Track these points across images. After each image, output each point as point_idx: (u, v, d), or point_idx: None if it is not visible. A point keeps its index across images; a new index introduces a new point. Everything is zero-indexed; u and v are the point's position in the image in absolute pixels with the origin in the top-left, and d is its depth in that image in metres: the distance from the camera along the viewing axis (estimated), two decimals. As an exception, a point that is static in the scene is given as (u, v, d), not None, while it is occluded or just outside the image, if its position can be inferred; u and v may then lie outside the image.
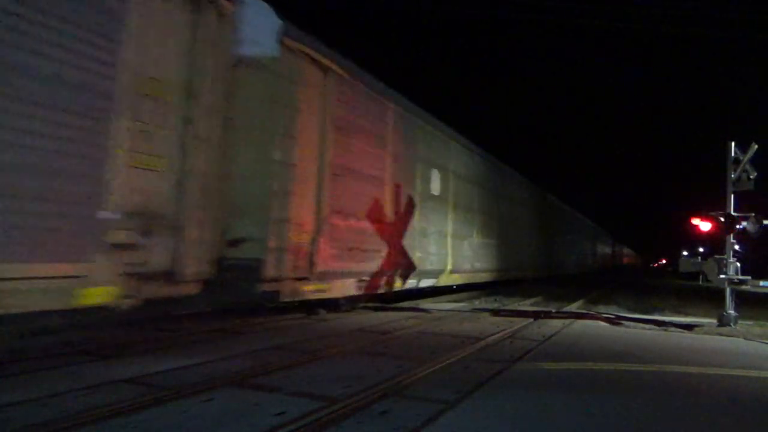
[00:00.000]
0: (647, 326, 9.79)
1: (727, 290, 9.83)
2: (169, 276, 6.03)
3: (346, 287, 9.40)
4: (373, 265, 10.14)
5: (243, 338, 6.89)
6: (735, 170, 9.91)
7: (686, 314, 12.28)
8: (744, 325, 9.97)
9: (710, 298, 16.32)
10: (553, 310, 11.86)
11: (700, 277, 28.19)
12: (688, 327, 9.73)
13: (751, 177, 9.81)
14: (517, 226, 20.59)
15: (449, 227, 13.78)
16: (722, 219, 9.92)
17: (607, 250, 63.84)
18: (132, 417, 3.60)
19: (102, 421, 3.49)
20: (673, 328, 9.60)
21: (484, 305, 12.86)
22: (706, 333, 9.15)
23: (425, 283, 12.51)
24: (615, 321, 10.42)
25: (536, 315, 10.65)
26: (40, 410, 3.66)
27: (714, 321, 9.97)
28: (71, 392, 4.09)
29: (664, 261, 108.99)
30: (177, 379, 4.61)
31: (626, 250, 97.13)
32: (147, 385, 4.36)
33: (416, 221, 11.80)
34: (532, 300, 14.94)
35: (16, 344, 5.63)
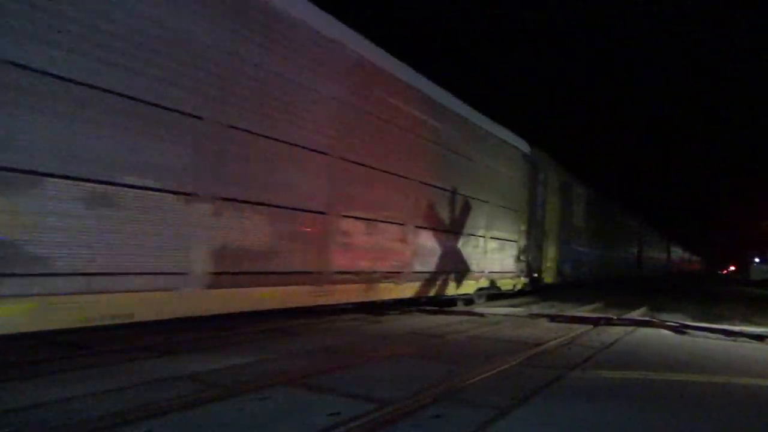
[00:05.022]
0: (714, 335, 9.32)
1: (804, 299, 9.26)
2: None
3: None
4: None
5: (297, 338, 6.98)
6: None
7: (758, 324, 11.63)
8: (823, 336, 9.36)
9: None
10: (614, 317, 11.46)
11: (773, 285, 26.69)
12: (760, 337, 9.19)
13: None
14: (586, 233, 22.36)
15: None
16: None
17: (668, 256, 61.79)
18: (192, 412, 3.72)
19: (162, 415, 3.60)
20: (743, 338, 9.09)
21: (541, 310, 12.57)
22: (780, 344, 8.63)
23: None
24: (679, 329, 9.97)
25: (596, 321, 10.32)
26: (100, 404, 3.80)
27: (789, 332, 9.41)
28: (131, 387, 4.25)
29: (733, 268, 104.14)
30: (233, 377, 4.71)
31: (691, 256, 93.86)
32: (205, 383, 4.48)
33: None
34: (591, 306, 14.50)
35: (77, 339, 5.90)
